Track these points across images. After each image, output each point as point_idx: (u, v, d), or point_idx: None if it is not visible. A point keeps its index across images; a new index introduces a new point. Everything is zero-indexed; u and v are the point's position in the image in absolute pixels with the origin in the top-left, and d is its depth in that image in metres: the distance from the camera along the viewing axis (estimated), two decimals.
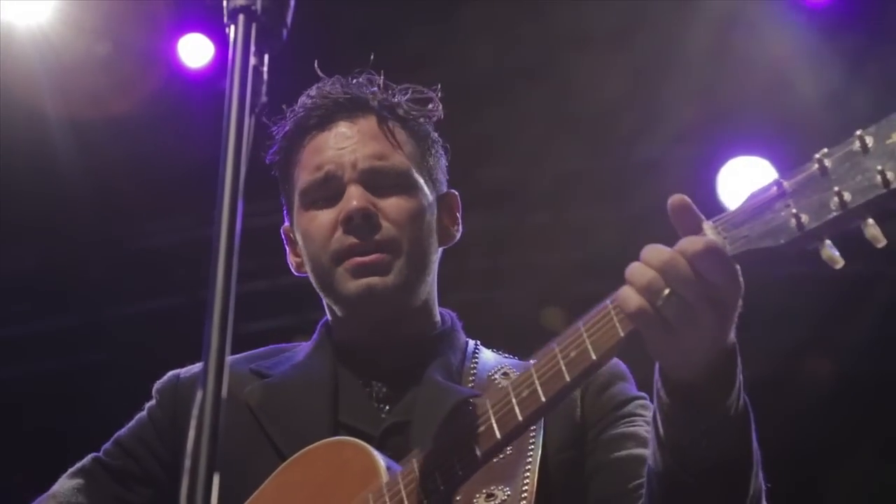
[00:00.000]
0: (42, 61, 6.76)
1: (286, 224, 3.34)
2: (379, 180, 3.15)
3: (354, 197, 3.11)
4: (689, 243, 2.31)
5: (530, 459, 2.84)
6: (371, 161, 3.16)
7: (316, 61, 3.31)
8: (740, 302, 2.36)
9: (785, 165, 6.72)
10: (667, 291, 2.30)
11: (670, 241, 2.37)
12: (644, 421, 2.98)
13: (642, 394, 3.07)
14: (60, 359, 7.79)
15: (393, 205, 3.13)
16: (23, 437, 7.50)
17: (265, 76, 2.15)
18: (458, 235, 3.32)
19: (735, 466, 2.48)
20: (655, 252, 2.34)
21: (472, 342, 3.28)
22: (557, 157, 7.21)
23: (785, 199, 2.26)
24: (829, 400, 7.27)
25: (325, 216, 3.14)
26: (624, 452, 2.95)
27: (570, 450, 2.98)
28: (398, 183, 3.16)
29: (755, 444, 2.50)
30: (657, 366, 2.46)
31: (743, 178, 7.15)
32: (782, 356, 6.84)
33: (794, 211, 2.24)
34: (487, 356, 3.22)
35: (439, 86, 3.34)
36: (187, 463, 1.81)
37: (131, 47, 6.86)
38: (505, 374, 3.09)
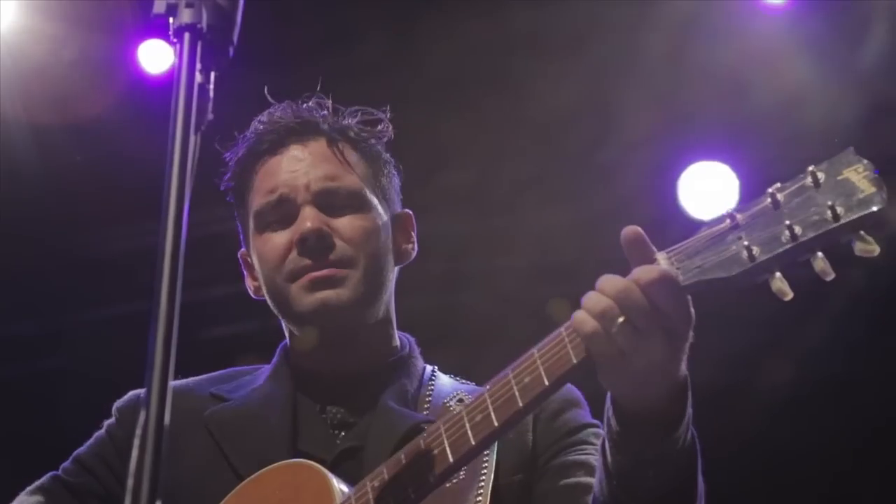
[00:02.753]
0: (1, 66, 6.72)
1: (243, 249, 3.38)
2: (332, 200, 3.19)
3: (308, 218, 3.14)
4: (644, 272, 2.37)
5: (482, 484, 2.88)
6: (324, 182, 3.20)
7: (266, 87, 3.37)
8: (691, 333, 2.42)
9: (745, 170, 6.77)
10: (621, 319, 2.35)
11: None
12: (595, 450, 2.99)
13: (596, 421, 3.11)
14: (17, 365, 7.74)
15: (347, 224, 3.17)
16: None
17: (211, 94, 2.16)
18: (414, 254, 3.36)
19: (679, 498, 2.52)
20: (610, 282, 2.40)
21: (429, 368, 3.31)
22: (516, 162, 7.21)
23: (738, 231, 2.32)
24: (786, 405, 7.30)
25: (280, 238, 3.18)
26: (572, 480, 2.99)
27: (521, 473, 3.01)
28: (351, 203, 3.20)
29: (700, 478, 2.55)
30: (609, 394, 2.51)
31: (703, 183, 7.16)
32: (737, 361, 6.86)
33: (745, 243, 2.30)
34: (444, 382, 3.26)
35: (388, 107, 3.40)
36: (130, 482, 1.82)
37: (91, 53, 6.81)
38: (460, 400, 3.12)
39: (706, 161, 7.19)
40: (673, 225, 6.44)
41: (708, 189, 7.12)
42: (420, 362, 3.31)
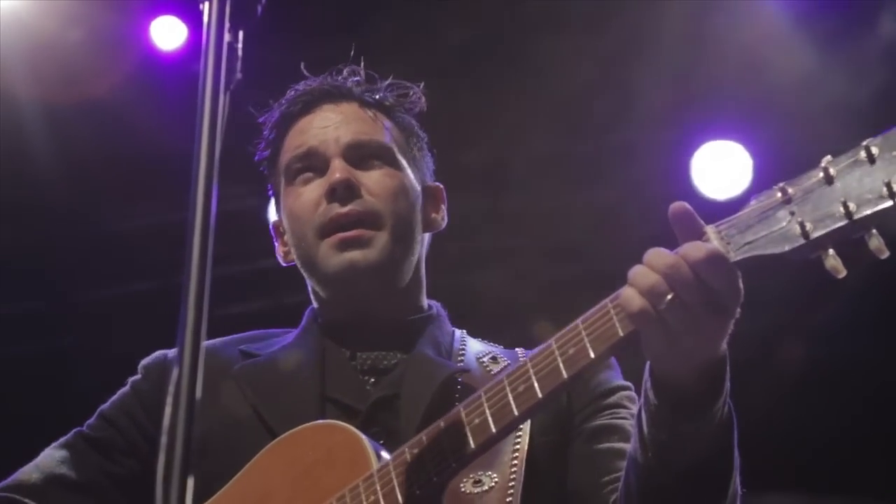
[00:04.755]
0: (14, 43, 6.70)
1: (275, 219, 3.39)
2: (362, 153, 3.21)
3: (337, 169, 3.16)
4: (693, 249, 2.33)
5: (518, 446, 2.88)
6: (354, 135, 3.22)
7: (302, 63, 3.38)
8: (739, 310, 2.38)
9: (759, 149, 6.72)
10: (670, 296, 2.31)
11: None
12: (629, 413, 3.00)
13: (628, 383, 3.11)
14: (29, 343, 7.74)
15: (376, 178, 3.18)
16: None
17: (240, 53, 2.14)
18: (444, 224, 3.36)
19: (715, 471, 2.50)
20: (659, 256, 2.36)
21: (458, 331, 3.30)
22: (531, 141, 7.20)
23: (790, 205, 2.27)
24: (802, 384, 7.29)
25: (310, 192, 3.19)
26: (605, 445, 2.98)
27: (555, 433, 3.01)
28: (381, 156, 3.22)
29: (735, 450, 2.52)
30: (648, 366, 2.48)
31: (717, 162, 7.14)
32: (754, 341, 6.85)
33: (799, 219, 2.24)
34: (474, 343, 3.25)
35: (422, 84, 3.41)
36: (164, 439, 1.81)
37: (104, 30, 6.80)
38: (493, 358, 3.13)
39: (720, 140, 7.18)
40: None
41: (721, 168, 7.10)
42: (449, 325, 3.30)
